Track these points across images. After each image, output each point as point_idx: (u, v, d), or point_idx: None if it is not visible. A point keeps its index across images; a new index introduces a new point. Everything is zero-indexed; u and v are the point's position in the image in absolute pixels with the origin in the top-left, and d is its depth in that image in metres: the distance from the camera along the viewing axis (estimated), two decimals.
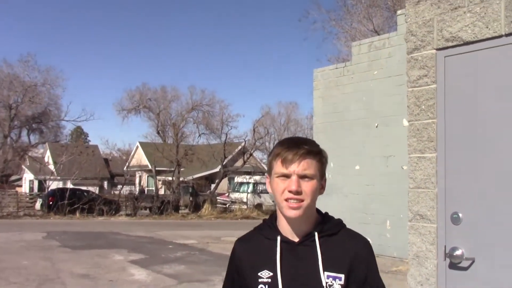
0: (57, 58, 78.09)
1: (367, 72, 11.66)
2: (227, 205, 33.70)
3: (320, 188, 1.66)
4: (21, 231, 16.87)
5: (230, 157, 37.46)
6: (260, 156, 45.58)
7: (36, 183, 48.98)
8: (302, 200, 1.58)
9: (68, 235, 15.90)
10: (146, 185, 47.39)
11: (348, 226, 1.69)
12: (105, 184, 51.94)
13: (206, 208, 31.44)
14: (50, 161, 46.61)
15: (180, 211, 32.14)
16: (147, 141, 46.31)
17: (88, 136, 73.73)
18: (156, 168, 35.97)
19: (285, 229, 1.66)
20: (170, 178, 37.77)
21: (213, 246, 13.79)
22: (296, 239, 1.65)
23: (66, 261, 10.69)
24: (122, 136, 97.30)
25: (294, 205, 1.58)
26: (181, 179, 35.46)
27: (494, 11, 2.88)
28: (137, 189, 46.42)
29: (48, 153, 50.33)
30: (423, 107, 3.21)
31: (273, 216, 1.74)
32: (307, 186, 1.59)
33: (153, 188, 42.85)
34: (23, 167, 50.23)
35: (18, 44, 78.11)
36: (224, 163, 34.06)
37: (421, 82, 3.23)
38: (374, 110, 11.45)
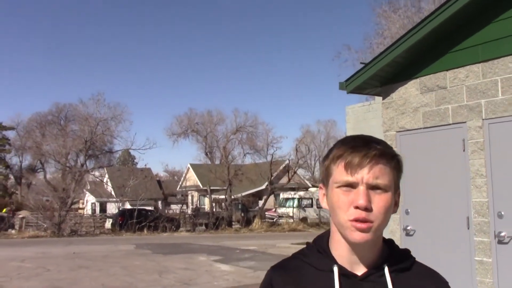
0: (114, 88, 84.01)
1: None
2: (274, 220, 37.01)
3: (394, 205, 1.21)
4: (112, 244, 20.79)
5: (275, 174, 40.86)
6: (303, 173, 48.97)
7: (98, 205, 53.78)
8: (371, 221, 1.14)
9: (152, 246, 19.70)
10: (198, 203, 51.29)
11: None
12: (159, 204, 56.12)
13: (257, 223, 34.92)
14: (109, 184, 51.39)
15: (233, 226, 35.71)
16: (197, 162, 50.49)
17: (135, 159, 78.55)
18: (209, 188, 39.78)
19: (343, 257, 1.21)
20: (220, 196, 41.57)
21: (271, 250, 17.30)
22: (359, 272, 1.21)
23: (165, 261, 14.40)
24: (171, 158, 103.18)
25: (363, 226, 1.13)
26: (232, 197, 39.13)
27: (418, 117, 6.33)
28: (190, 208, 50.46)
29: (106, 177, 54.73)
30: None
31: (323, 239, 1.28)
32: (380, 201, 1.15)
33: (205, 206, 46.82)
34: (85, 190, 54.85)
35: (83, 81, 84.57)
36: (270, 181, 37.53)
37: None
38: None
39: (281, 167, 42.31)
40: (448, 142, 6.00)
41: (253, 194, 44.69)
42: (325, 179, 1.24)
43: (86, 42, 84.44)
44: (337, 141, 1.26)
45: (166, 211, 49.84)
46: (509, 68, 5.39)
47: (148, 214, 34.14)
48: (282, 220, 36.12)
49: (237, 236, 27.55)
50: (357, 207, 1.14)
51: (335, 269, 1.21)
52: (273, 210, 39.08)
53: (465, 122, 5.82)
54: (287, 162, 41.69)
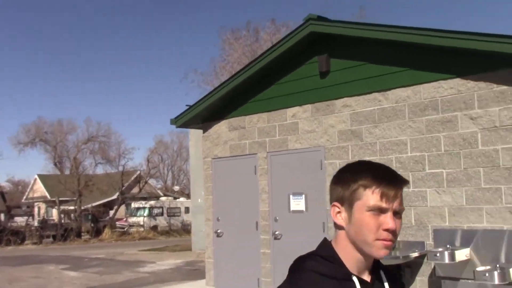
0: None
1: None
2: (125, 229, 37.81)
3: None
4: None
5: (126, 185, 41.64)
6: (154, 183, 50.24)
7: None
8: (393, 240, 1.37)
9: None
10: (46, 215, 49.73)
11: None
12: (2, 216, 53.08)
13: (107, 233, 35.45)
14: None
15: (82, 237, 35.80)
16: (46, 173, 49.05)
17: None
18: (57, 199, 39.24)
19: (353, 267, 1.40)
20: (69, 207, 41.15)
21: (119, 257, 18.68)
22: (366, 278, 1.43)
23: (14, 272, 15.08)
24: (18, 169, 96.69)
25: (390, 244, 1.35)
26: (82, 207, 39.09)
27: (227, 148, 8.53)
28: (36, 220, 48.72)
29: None
30: (208, 179, 8.79)
31: (332, 251, 1.42)
32: (399, 224, 1.37)
33: (53, 218, 45.71)
34: None
35: None
36: (121, 191, 38.32)
37: (207, 170, 8.82)
38: None
39: (133, 177, 43.20)
40: (246, 167, 8.27)
41: (104, 204, 44.79)
42: (347, 200, 1.39)
43: None
44: (356, 166, 1.44)
45: (9, 223, 47.49)
46: (282, 118, 7.81)
47: None
48: (133, 229, 37.06)
49: (86, 247, 28.14)
50: (387, 230, 1.33)
51: (355, 278, 1.38)
52: (124, 219, 39.80)
53: (256, 154, 8.14)
54: (139, 172, 42.75)
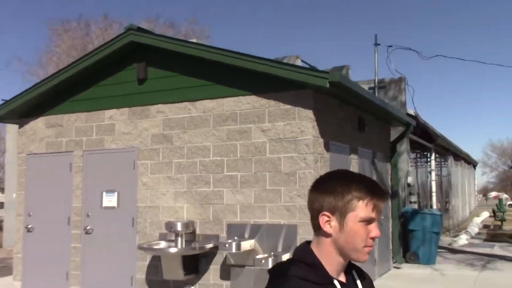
0: None
1: None
2: None
3: None
4: None
5: None
6: None
7: None
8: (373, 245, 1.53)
9: None
10: None
11: None
12: None
13: None
14: None
15: None
16: None
17: None
18: None
19: (333, 270, 1.51)
20: None
21: None
22: (342, 279, 1.55)
23: None
24: None
25: (371, 249, 1.51)
26: None
27: (43, 145, 8.64)
28: None
29: None
30: (21, 174, 8.77)
31: (313, 258, 1.51)
32: None
33: None
34: None
35: None
36: None
37: (21, 165, 8.80)
38: None
39: None
40: (62, 164, 8.48)
41: None
42: (339, 210, 1.47)
43: None
44: (343, 176, 1.54)
45: None
46: (100, 118, 8.22)
47: None
48: None
49: None
50: (373, 237, 1.48)
51: (336, 282, 1.49)
52: None
53: (72, 151, 8.41)
54: None
